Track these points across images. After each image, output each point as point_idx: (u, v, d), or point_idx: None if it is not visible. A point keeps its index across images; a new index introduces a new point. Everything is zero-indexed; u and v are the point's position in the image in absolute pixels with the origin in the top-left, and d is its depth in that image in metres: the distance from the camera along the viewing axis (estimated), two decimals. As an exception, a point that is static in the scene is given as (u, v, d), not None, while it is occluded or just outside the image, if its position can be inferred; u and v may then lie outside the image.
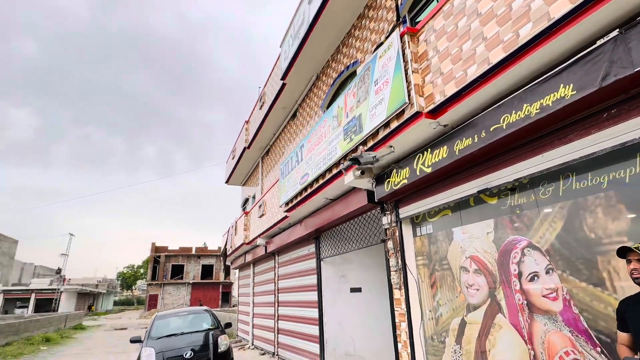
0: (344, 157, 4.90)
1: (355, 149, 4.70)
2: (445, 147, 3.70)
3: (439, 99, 3.46)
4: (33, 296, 42.24)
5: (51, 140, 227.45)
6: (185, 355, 6.32)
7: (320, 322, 7.10)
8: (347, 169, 4.83)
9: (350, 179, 4.92)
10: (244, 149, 13.22)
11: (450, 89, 3.33)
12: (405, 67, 3.81)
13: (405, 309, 4.62)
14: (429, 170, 3.91)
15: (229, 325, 8.17)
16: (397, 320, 4.83)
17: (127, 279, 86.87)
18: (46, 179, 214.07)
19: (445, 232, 4.24)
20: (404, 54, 3.86)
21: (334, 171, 5.32)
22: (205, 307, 9.34)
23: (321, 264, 7.45)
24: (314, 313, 7.38)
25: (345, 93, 5.04)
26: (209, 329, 7.45)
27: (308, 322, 7.69)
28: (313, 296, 7.49)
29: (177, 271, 46.14)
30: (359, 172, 4.78)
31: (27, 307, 41.51)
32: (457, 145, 3.53)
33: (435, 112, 3.55)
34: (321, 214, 6.77)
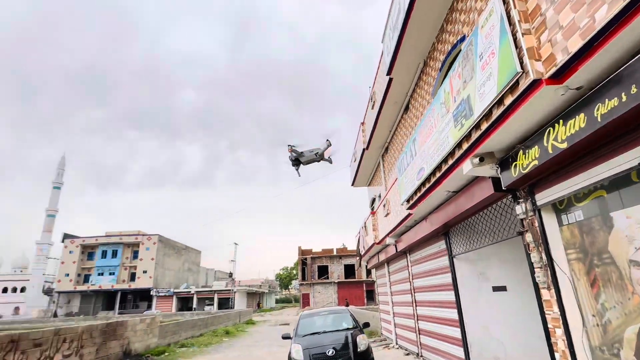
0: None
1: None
2: (582, 115, 2.99)
3: (561, 58, 2.83)
4: (216, 296, 51.64)
5: (214, 167, 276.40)
6: (328, 352, 6.73)
7: (461, 324, 6.58)
8: (297, 168, 4.67)
9: (468, 167, 4.45)
10: (363, 150, 13.39)
11: (575, 44, 2.68)
12: (512, 31, 3.25)
13: (559, 313, 3.88)
14: (563, 146, 3.22)
15: (367, 325, 8.34)
16: (550, 326, 4.10)
17: (283, 280, 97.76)
18: (214, 199, 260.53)
19: (601, 218, 3.41)
20: (509, 16, 3.30)
21: (450, 162, 4.90)
22: (344, 307, 9.77)
23: (454, 262, 6.91)
24: (452, 314, 6.89)
25: (450, 75, 4.61)
26: (348, 329, 7.76)
27: (447, 323, 7.22)
28: (449, 296, 7.00)
29: (323, 271, 49.62)
30: (477, 160, 4.29)
31: (213, 304, 51.00)
32: (598, 110, 2.82)
33: (560, 76, 2.91)
34: (445, 208, 6.31)
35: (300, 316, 8.78)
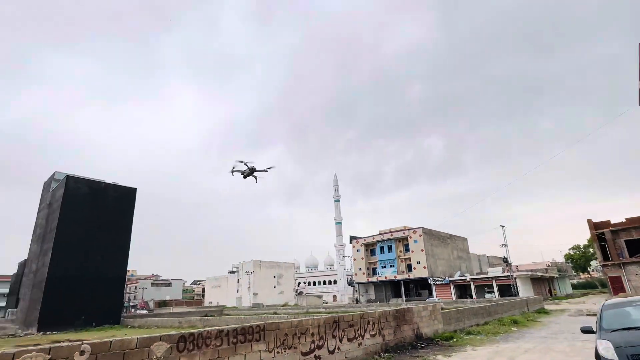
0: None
1: None
2: None
3: None
4: (494, 283, 49.02)
5: (459, 151, 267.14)
6: (657, 355, 5.11)
7: None
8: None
9: None
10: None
11: None
12: None
13: None
14: None
15: None
16: None
17: (577, 261, 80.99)
18: (467, 184, 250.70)
19: None
20: None
21: None
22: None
23: None
24: None
25: None
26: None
27: None
28: None
29: (635, 247, 37.83)
30: None
31: (493, 292, 48.65)
32: None
33: None
34: None
35: (603, 306, 7.10)
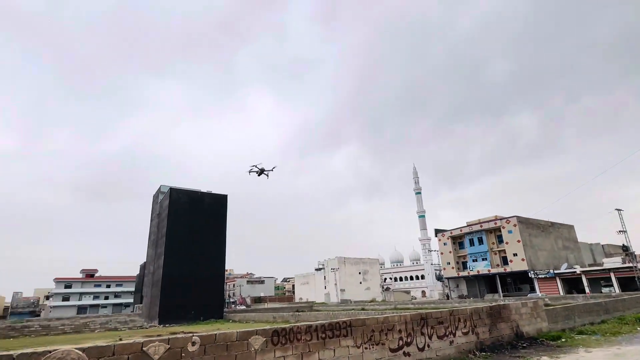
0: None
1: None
2: None
3: None
4: (612, 275, 42.54)
5: (554, 128, 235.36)
6: None
7: None
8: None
9: None
10: None
11: None
12: None
13: None
14: None
15: None
16: None
17: None
18: (567, 165, 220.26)
19: None
20: None
21: None
22: None
23: None
24: None
25: None
26: None
27: None
28: None
29: None
30: None
31: (611, 286, 42.26)
32: None
33: None
34: None
35: None
